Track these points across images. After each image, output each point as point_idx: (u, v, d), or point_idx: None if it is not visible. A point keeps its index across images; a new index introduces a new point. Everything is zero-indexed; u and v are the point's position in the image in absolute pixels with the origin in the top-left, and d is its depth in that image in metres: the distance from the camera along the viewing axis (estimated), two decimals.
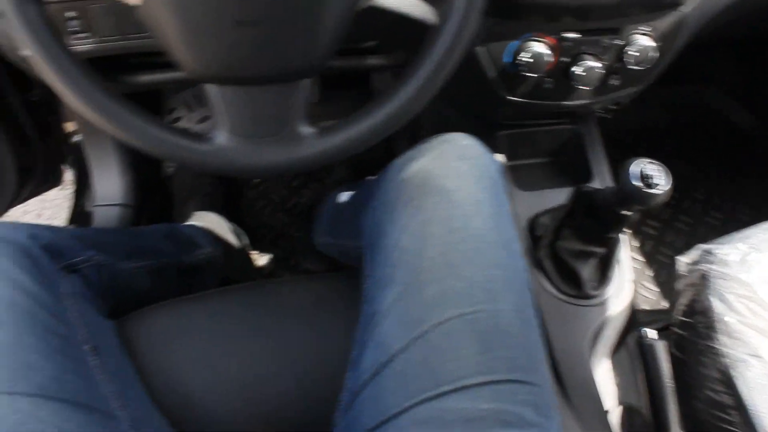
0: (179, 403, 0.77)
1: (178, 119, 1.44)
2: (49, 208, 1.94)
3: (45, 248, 0.78)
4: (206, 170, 0.69)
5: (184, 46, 0.63)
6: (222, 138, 0.67)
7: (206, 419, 0.76)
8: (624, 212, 0.90)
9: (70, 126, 1.43)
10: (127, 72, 1.02)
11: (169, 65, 1.01)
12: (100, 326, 0.79)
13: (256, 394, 0.78)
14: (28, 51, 0.62)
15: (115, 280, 0.89)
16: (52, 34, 0.63)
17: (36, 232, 0.79)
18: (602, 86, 1.03)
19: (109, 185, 1.30)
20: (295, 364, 0.80)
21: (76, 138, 1.42)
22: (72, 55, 0.64)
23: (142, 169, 1.34)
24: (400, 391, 0.65)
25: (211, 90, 0.67)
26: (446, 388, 0.63)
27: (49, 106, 1.36)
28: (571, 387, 1.00)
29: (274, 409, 0.78)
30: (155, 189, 1.44)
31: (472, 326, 0.66)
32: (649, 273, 1.69)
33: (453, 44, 0.67)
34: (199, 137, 0.67)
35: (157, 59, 0.96)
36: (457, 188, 0.72)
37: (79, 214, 1.44)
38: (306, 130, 0.68)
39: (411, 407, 0.63)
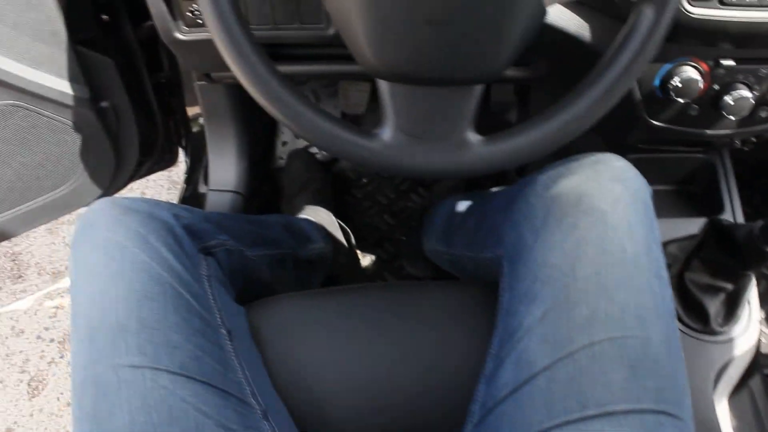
0: (303, 398, 0.77)
1: None
2: (152, 187, 2.00)
3: (186, 228, 0.79)
4: (372, 168, 0.69)
5: (367, 40, 0.63)
6: (389, 135, 0.67)
7: (329, 418, 0.76)
8: None
9: (192, 110, 1.46)
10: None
11: (304, 58, 1.03)
12: (233, 311, 0.79)
13: (381, 398, 0.77)
14: (216, 40, 0.63)
15: (243, 267, 0.90)
16: (240, 23, 0.63)
17: (177, 211, 0.80)
18: (749, 117, 0.98)
19: (225, 171, 1.33)
20: (423, 371, 0.78)
21: (199, 121, 1.45)
22: (256, 45, 0.64)
23: (257, 158, 1.36)
24: (542, 410, 0.63)
25: (384, 86, 0.66)
26: (591, 412, 0.61)
27: (174, 89, 1.40)
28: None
29: (399, 415, 0.77)
30: (266, 180, 1.46)
31: (622, 351, 0.63)
32: None
33: (634, 60, 0.64)
34: (367, 133, 0.67)
35: (302, 51, 0.98)
36: (612, 210, 0.70)
37: (191, 196, 1.47)
38: (474, 136, 0.67)
39: (552, 428, 0.62)
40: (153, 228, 0.74)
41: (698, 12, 0.84)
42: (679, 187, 1.21)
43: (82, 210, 1.88)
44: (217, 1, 0.62)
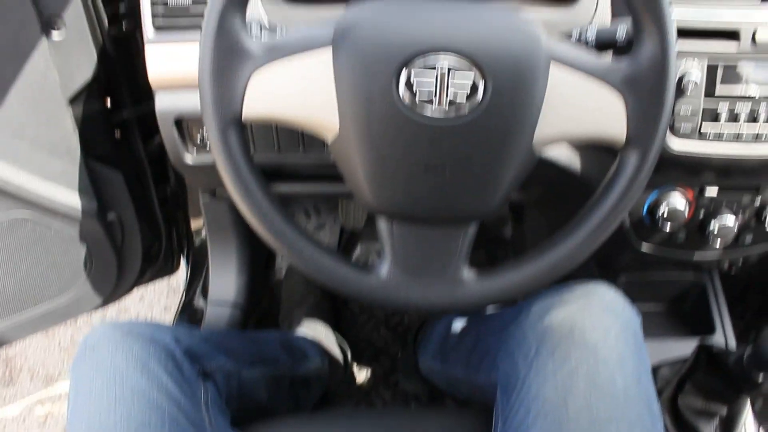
0: None
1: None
2: (151, 292, 2.01)
3: (186, 352, 0.80)
4: (369, 303, 0.71)
5: (367, 182, 0.67)
6: (386, 271, 0.70)
7: None
8: (759, 377, 0.87)
9: (195, 222, 1.50)
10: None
11: (305, 178, 1.08)
12: None
13: None
14: (223, 175, 0.67)
15: (240, 389, 0.91)
16: (247, 162, 0.67)
17: (178, 335, 0.82)
18: (735, 242, 1.02)
19: (225, 285, 1.35)
20: None
21: (202, 234, 1.49)
22: (261, 181, 0.68)
23: (256, 272, 1.39)
24: None
25: (382, 223, 0.70)
26: None
27: (179, 201, 1.44)
28: None
29: None
30: (265, 292, 1.48)
31: None
32: None
33: (620, 202, 0.68)
34: (365, 269, 0.70)
35: (304, 170, 1.02)
36: (603, 342, 0.72)
37: (189, 307, 1.48)
38: (468, 273, 0.70)
39: None
40: (154, 352, 0.75)
41: (680, 147, 0.89)
42: (670, 307, 1.24)
43: (84, 328, 1.89)
44: (227, 140, 0.67)
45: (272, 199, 0.69)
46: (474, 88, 0.62)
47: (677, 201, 0.95)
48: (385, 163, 0.66)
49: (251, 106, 0.66)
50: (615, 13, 0.88)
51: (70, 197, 1.21)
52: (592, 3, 0.88)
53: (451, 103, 0.63)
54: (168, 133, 0.98)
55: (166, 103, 0.96)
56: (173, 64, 0.92)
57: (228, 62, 0.65)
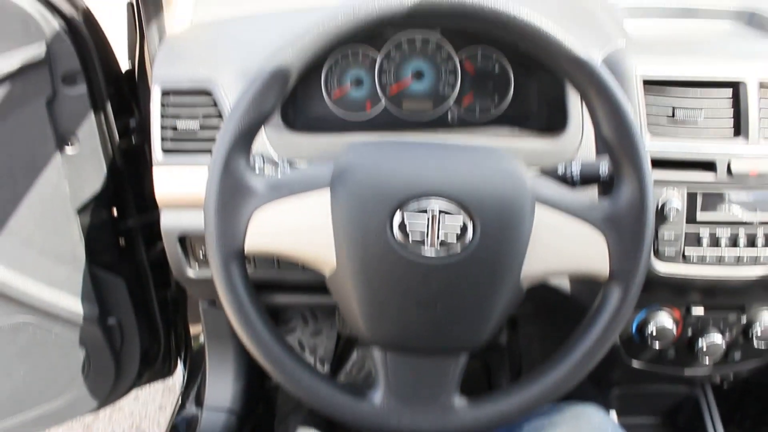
0: None
1: (293, 330, 1.52)
2: (147, 392, 2.01)
3: None
4: (362, 428, 0.73)
5: (362, 315, 0.70)
6: (380, 398, 0.72)
7: None
8: None
9: (194, 326, 1.52)
10: (263, 290, 1.12)
11: (303, 289, 1.11)
12: None
13: None
14: (225, 303, 0.70)
15: None
16: (248, 293, 0.71)
17: None
18: (724, 358, 1.04)
19: (222, 390, 1.35)
20: None
21: (199, 341, 1.50)
22: (260, 310, 0.71)
23: (253, 378, 1.39)
24: None
25: (376, 353, 0.73)
26: None
27: (178, 306, 1.46)
28: None
29: None
30: (261, 398, 1.48)
31: None
32: None
33: (605, 333, 0.71)
34: (358, 394, 0.73)
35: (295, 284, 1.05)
36: None
37: (184, 411, 1.48)
38: (459, 400, 0.72)
39: None
40: None
41: (665, 270, 0.92)
42: (665, 420, 1.24)
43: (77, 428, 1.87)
44: (229, 273, 0.70)
45: (271, 329, 0.72)
46: (464, 229, 0.67)
47: (665, 320, 0.98)
48: (379, 298, 0.69)
49: (253, 240, 0.70)
50: (598, 150, 0.93)
51: (72, 303, 1.23)
52: (577, 135, 0.94)
53: (442, 243, 0.67)
54: (172, 248, 1.02)
55: (171, 221, 1.00)
56: (179, 186, 0.97)
57: (232, 199, 0.69)
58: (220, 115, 0.96)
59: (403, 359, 0.72)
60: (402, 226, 0.67)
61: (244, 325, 0.71)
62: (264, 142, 0.96)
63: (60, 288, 1.21)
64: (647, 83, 0.92)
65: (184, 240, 1.02)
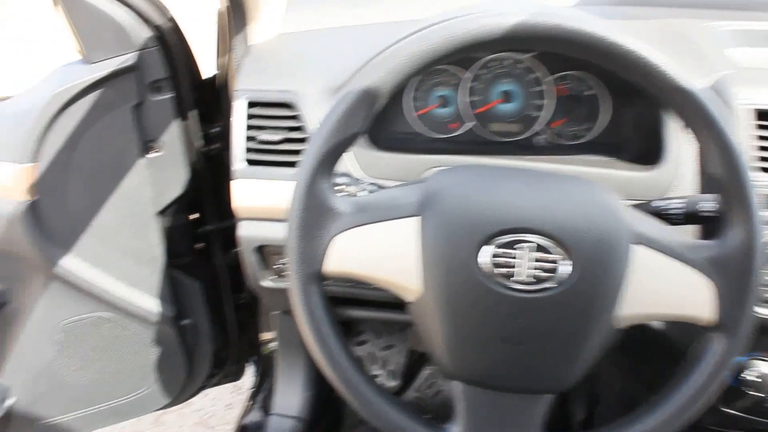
0: None
1: (364, 342, 1.51)
2: (216, 388, 2.02)
3: None
4: None
5: (444, 346, 0.68)
6: None
7: None
8: None
9: (266, 334, 1.52)
10: (338, 304, 1.10)
11: (376, 305, 1.09)
12: None
13: None
14: (302, 326, 0.69)
15: None
16: (327, 317, 0.69)
17: None
18: None
19: (291, 397, 1.35)
20: None
21: (270, 346, 1.51)
22: (337, 335, 0.70)
23: (323, 386, 1.39)
24: None
25: (457, 386, 0.70)
26: None
27: (252, 310, 1.46)
28: None
29: None
30: (329, 407, 1.47)
31: None
32: None
33: (711, 379, 0.66)
34: (436, 428, 0.70)
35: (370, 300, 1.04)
36: None
37: (252, 416, 1.49)
38: None
39: None
40: None
41: None
42: None
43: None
44: (308, 296, 0.68)
45: (349, 354, 0.70)
46: (557, 264, 0.63)
47: (765, 368, 0.91)
48: (465, 331, 0.66)
49: (333, 263, 0.68)
50: (701, 186, 0.87)
51: (149, 302, 1.25)
52: (673, 167, 0.88)
53: (532, 278, 0.63)
54: (248, 258, 1.01)
55: (248, 232, 0.99)
56: (258, 198, 0.96)
57: (315, 221, 0.67)
58: (303, 129, 0.95)
59: (486, 397, 0.69)
60: (493, 259, 0.64)
61: (321, 350, 0.69)
62: (346, 159, 0.94)
63: (138, 287, 1.24)
64: (760, 115, 0.85)
65: (260, 250, 1.01)
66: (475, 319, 0.66)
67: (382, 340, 1.47)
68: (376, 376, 1.45)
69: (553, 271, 0.63)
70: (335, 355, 0.69)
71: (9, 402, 1.29)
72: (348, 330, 1.47)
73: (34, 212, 1.11)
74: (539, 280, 0.64)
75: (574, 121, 1.02)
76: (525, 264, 0.63)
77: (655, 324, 0.94)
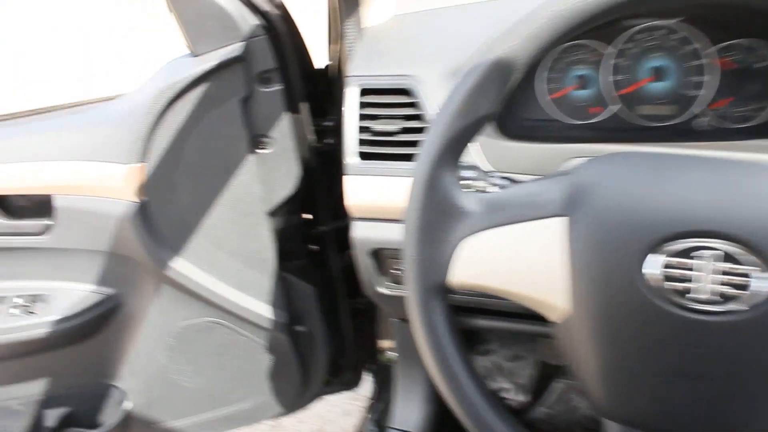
0: None
1: (489, 352, 1.39)
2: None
3: None
4: None
5: (599, 378, 0.56)
6: None
7: None
8: None
9: (384, 342, 1.44)
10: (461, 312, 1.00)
11: (504, 315, 0.97)
12: None
13: None
14: (422, 347, 0.59)
15: None
16: (451, 338, 0.58)
17: None
18: None
19: (410, 410, 1.26)
20: None
21: (388, 355, 1.43)
22: (461, 356, 0.59)
23: (444, 401, 1.29)
24: None
25: (612, 428, 0.58)
26: None
27: (369, 317, 1.39)
28: None
29: None
30: (450, 424, 1.37)
31: None
32: None
33: None
34: None
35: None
36: None
37: (368, 425, 1.42)
38: None
39: None
40: None
41: None
42: None
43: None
44: (428, 312, 0.58)
45: (473, 376, 0.59)
46: (749, 279, 0.48)
47: None
48: (627, 361, 0.54)
49: (460, 272, 0.57)
50: None
51: (261, 307, 1.20)
52: None
53: (719, 295, 0.49)
54: (363, 262, 0.92)
55: (363, 233, 0.91)
56: (374, 195, 0.87)
57: (438, 222, 0.57)
58: (423, 117, 0.85)
59: None
60: (664, 270, 0.50)
61: (442, 373, 0.59)
62: (471, 149, 0.83)
63: (249, 291, 1.19)
64: None
65: (376, 253, 0.92)
66: (639, 345, 0.53)
67: (509, 350, 1.35)
68: (502, 390, 1.33)
69: (744, 287, 0.49)
70: (459, 379, 0.59)
71: (127, 406, 1.28)
72: (472, 338, 1.35)
73: (143, 213, 1.07)
74: (726, 298, 0.49)
75: (743, 100, 0.85)
76: (707, 277, 0.50)
77: None
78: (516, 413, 1.43)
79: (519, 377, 1.35)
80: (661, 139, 0.84)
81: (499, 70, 0.54)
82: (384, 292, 0.94)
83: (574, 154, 0.81)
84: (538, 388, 1.37)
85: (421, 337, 0.59)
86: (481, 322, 1.01)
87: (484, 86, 0.55)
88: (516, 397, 1.34)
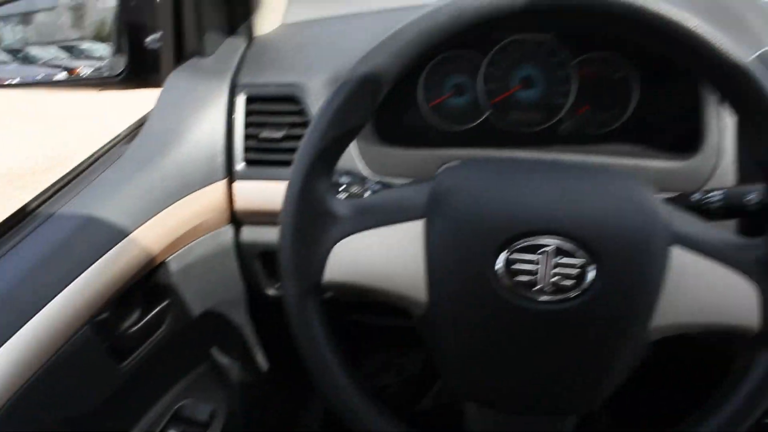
0: None
1: (378, 350, 1.42)
2: None
3: None
4: None
5: (455, 365, 0.60)
6: None
7: None
8: None
9: None
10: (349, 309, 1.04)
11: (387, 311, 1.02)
12: None
13: None
14: (299, 344, 0.62)
15: None
16: (326, 335, 0.62)
17: None
18: None
19: None
20: None
21: None
22: (337, 353, 0.63)
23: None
24: None
25: (471, 410, 0.63)
26: None
27: None
28: None
29: None
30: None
31: None
32: None
33: (753, 401, 0.58)
34: None
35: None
36: None
37: None
38: None
39: None
40: None
41: None
42: None
43: None
44: (304, 310, 0.61)
45: (351, 373, 0.63)
46: (582, 272, 0.55)
47: None
48: (478, 348, 0.59)
49: (333, 272, 0.61)
50: (743, 176, 0.79)
51: None
52: (713, 156, 0.80)
53: (555, 287, 0.55)
54: (252, 266, 0.95)
55: (251, 237, 0.93)
56: (260, 200, 0.90)
57: (311, 227, 0.60)
58: (307, 125, 0.88)
59: (503, 420, 0.62)
60: (508, 266, 0.55)
61: (319, 368, 0.62)
62: (352, 155, 0.88)
63: None
64: None
65: (264, 257, 0.95)
66: (489, 335, 0.58)
67: (397, 347, 1.40)
68: (390, 386, 1.38)
69: (578, 279, 0.55)
70: (333, 372, 0.62)
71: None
72: (362, 336, 1.39)
73: None
74: (562, 288, 0.55)
75: (602, 107, 0.93)
76: (548, 271, 0.55)
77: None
78: (403, 407, 1.48)
79: (406, 372, 1.40)
80: (530, 144, 0.91)
81: (367, 84, 0.58)
82: (273, 294, 0.97)
83: (450, 159, 0.86)
84: (425, 383, 1.42)
85: (299, 334, 0.62)
86: (358, 317, 1.05)
87: (354, 100, 0.58)
88: (404, 390, 1.39)
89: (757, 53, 0.82)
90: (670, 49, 0.55)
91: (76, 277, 0.73)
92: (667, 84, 0.89)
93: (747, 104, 0.55)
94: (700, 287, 0.57)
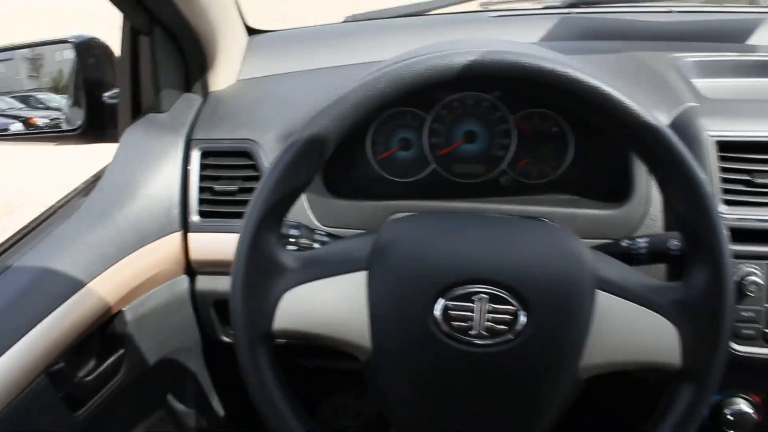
0: None
1: (336, 393, 1.45)
2: None
3: None
4: None
5: (398, 406, 0.64)
6: None
7: None
8: None
9: None
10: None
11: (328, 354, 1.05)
12: None
13: None
14: (251, 392, 0.65)
15: None
16: (276, 383, 0.65)
17: None
18: None
19: None
20: None
21: None
22: (290, 402, 0.66)
23: None
24: None
25: None
26: None
27: None
28: None
29: None
30: None
31: None
32: None
33: (682, 428, 0.62)
34: None
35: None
36: None
37: None
38: None
39: None
40: None
41: (744, 351, 0.82)
42: None
43: None
44: (255, 359, 0.64)
45: (301, 417, 0.66)
46: (515, 315, 0.59)
47: (744, 406, 0.88)
48: (419, 390, 0.63)
49: (282, 321, 0.64)
50: (667, 224, 0.85)
51: None
52: (642, 205, 0.86)
53: (489, 332, 0.60)
54: (206, 314, 0.98)
55: (206, 286, 0.96)
56: (214, 250, 0.93)
57: (261, 278, 0.64)
58: (260, 178, 0.92)
59: None
60: (445, 313, 0.60)
61: (270, 413, 0.65)
62: (303, 207, 0.92)
63: None
64: (723, 147, 0.84)
65: (218, 305, 0.97)
66: (429, 377, 0.62)
67: (353, 390, 1.42)
68: (346, 429, 1.40)
69: (511, 323, 0.60)
70: (286, 418, 0.65)
71: None
72: (317, 379, 1.41)
73: None
74: (497, 333, 0.60)
75: (540, 160, 0.99)
76: (482, 317, 0.60)
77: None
78: None
79: (365, 414, 1.43)
80: (473, 195, 0.96)
81: (314, 144, 0.62)
82: (227, 341, 0.99)
83: (397, 210, 0.91)
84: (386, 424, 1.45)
85: (249, 381, 0.65)
86: (311, 362, 1.08)
87: (302, 158, 0.62)
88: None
89: (674, 112, 0.90)
90: (587, 112, 0.60)
91: (32, 327, 0.75)
92: (599, 138, 0.96)
93: (658, 162, 0.60)
94: (625, 328, 0.62)
